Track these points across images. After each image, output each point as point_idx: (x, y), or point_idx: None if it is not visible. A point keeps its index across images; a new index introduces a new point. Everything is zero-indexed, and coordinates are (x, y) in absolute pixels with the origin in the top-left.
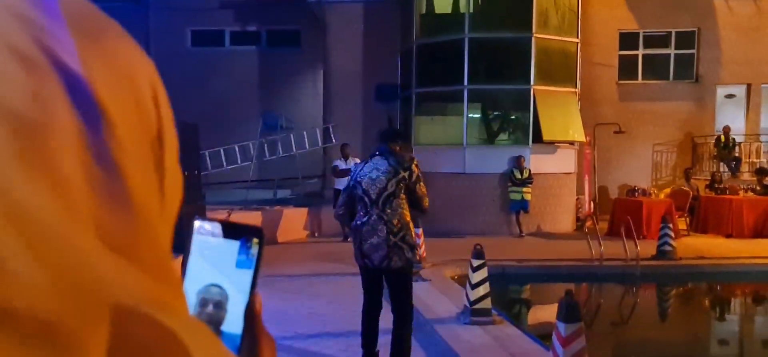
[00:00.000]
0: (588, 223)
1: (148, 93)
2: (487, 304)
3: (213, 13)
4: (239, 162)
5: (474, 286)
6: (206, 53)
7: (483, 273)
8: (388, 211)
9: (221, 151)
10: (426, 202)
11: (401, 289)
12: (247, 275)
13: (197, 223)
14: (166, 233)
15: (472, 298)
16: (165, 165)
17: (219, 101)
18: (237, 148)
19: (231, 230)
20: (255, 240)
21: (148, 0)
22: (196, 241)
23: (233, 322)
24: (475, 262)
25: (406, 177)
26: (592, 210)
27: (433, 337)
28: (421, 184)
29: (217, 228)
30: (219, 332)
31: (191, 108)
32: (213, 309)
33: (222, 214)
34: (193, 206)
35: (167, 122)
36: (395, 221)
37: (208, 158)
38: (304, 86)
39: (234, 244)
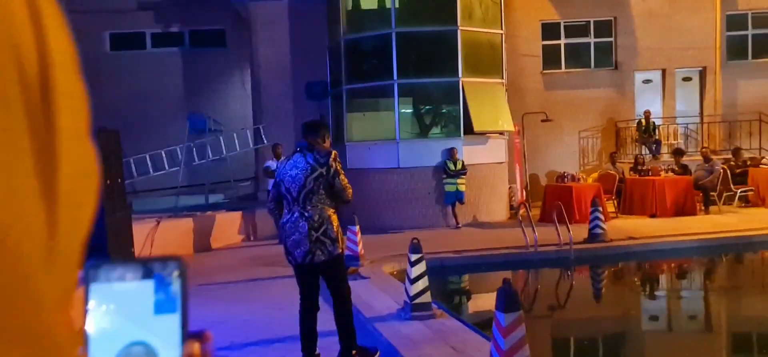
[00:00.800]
0: (521, 211)
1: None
2: (427, 298)
3: (132, 15)
4: (167, 168)
5: (413, 281)
6: (127, 57)
7: (421, 267)
8: (309, 207)
9: (147, 157)
10: (347, 193)
11: (333, 278)
12: (172, 320)
13: (92, 270)
14: (60, 258)
15: (411, 293)
16: (57, 127)
17: (143, 106)
18: (163, 154)
19: (140, 268)
20: (174, 272)
21: (61, 2)
22: (97, 292)
23: None
24: (413, 257)
25: (324, 172)
26: (524, 197)
27: (374, 335)
28: (341, 176)
29: (122, 269)
30: None
31: (113, 114)
32: None
33: (150, 223)
34: (116, 217)
35: (63, 61)
36: (315, 217)
37: (133, 165)
38: (232, 87)
39: (147, 285)
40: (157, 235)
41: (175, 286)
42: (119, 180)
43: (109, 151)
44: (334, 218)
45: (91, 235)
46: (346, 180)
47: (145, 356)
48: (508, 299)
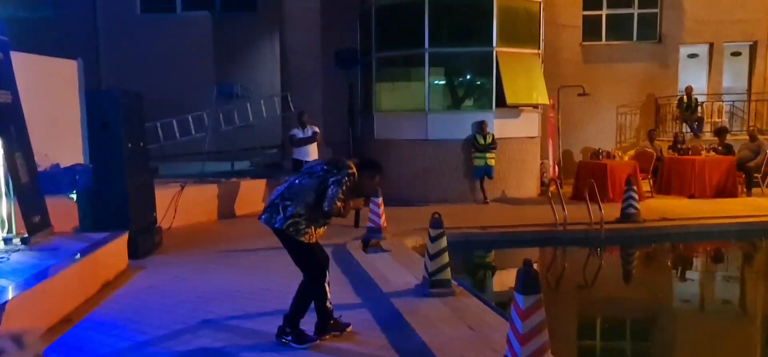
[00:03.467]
0: (552, 188)
1: None
2: (446, 274)
3: None
4: (194, 133)
5: (432, 257)
6: (157, 20)
7: (442, 243)
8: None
9: (174, 122)
10: (327, 203)
11: (290, 250)
12: None
13: None
14: None
15: (430, 270)
16: None
17: (171, 70)
18: (191, 119)
19: None
20: None
21: None
22: None
23: None
24: (433, 232)
25: (333, 171)
26: (556, 174)
27: (389, 310)
28: (335, 187)
29: None
30: None
31: (141, 77)
32: None
33: (175, 188)
34: (138, 180)
35: None
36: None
37: (160, 130)
38: (261, 53)
39: None
40: (181, 200)
41: None
42: (141, 143)
43: (131, 113)
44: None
45: (112, 198)
46: (340, 193)
47: None
48: (527, 280)
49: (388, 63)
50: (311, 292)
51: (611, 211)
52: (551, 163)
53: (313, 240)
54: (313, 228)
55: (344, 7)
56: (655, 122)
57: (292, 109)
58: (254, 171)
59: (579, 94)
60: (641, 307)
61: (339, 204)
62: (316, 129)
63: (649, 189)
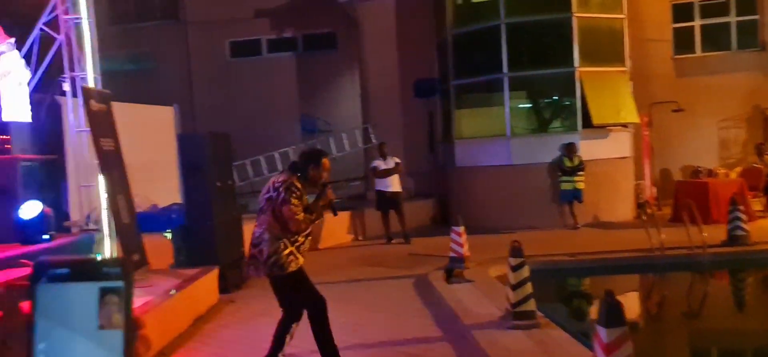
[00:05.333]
0: (647, 209)
1: None
2: (530, 305)
3: (250, 22)
4: (280, 168)
5: (515, 287)
6: (245, 63)
7: (523, 272)
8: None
9: (261, 158)
10: (291, 225)
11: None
12: (116, 337)
13: (38, 265)
14: None
15: (513, 300)
16: None
17: (259, 109)
18: (276, 155)
19: (83, 269)
20: (114, 293)
21: (187, 16)
22: (44, 294)
23: None
24: (514, 261)
25: (274, 196)
26: (653, 195)
27: (470, 344)
28: (287, 206)
29: (68, 271)
30: None
31: (232, 118)
32: None
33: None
34: (226, 218)
35: None
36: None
37: (249, 167)
38: (342, 87)
39: (92, 293)
40: None
41: (120, 296)
42: (229, 181)
43: (219, 154)
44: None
45: (203, 235)
46: (291, 210)
47: None
48: (610, 313)
49: (467, 90)
50: (285, 327)
51: (715, 233)
52: (647, 183)
53: (302, 261)
54: (295, 248)
55: (421, 37)
56: (763, 136)
57: (373, 140)
58: (339, 203)
59: (673, 110)
60: (754, 339)
61: (299, 216)
62: (398, 160)
63: (761, 208)
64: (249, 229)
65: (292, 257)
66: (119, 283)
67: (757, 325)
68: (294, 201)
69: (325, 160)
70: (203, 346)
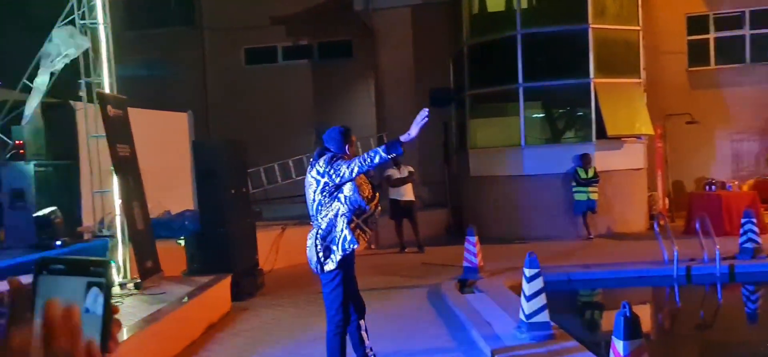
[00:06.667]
0: (661, 222)
1: None
2: (544, 316)
3: (265, 30)
4: (294, 176)
5: (529, 298)
6: (260, 70)
7: (538, 283)
8: (319, 218)
9: (276, 166)
10: (356, 168)
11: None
12: (95, 320)
13: (40, 260)
14: None
15: (527, 312)
16: None
17: (274, 117)
18: (291, 163)
19: (74, 266)
20: (98, 279)
21: (203, 22)
22: (44, 283)
23: None
24: (529, 272)
25: (327, 181)
26: (666, 207)
27: (484, 355)
28: (347, 166)
29: (63, 266)
30: None
31: (247, 125)
32: None
33: (276, 231)
34: (240, 224)
35: None
36: (324, 225)
37: (263, 174)
38: (357, 96)
39: (81, 284)
40: (282, 242)
41: (99, 298)
42: (243, 189)
43: (234, 161)
44: (344, 224)
45: (216, 242)
46: (354, 168)
47: None
48: (628, 325)
49: (482, 99)
50: (334, 328)
51: (729, 245)
52: (660, 195)
53: (366, 239)
54: (357, 229)
55: (437, 47)
56: None
57: None
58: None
59: (687, 122)
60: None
61: (367, 187)
62: (411, 169)
63: None
64: (263, 237)
65: (353, 232)
66: (102, 279)
67: (761, 337)
68: (348, 164)
69: (353, 136)
70: (213, 354)
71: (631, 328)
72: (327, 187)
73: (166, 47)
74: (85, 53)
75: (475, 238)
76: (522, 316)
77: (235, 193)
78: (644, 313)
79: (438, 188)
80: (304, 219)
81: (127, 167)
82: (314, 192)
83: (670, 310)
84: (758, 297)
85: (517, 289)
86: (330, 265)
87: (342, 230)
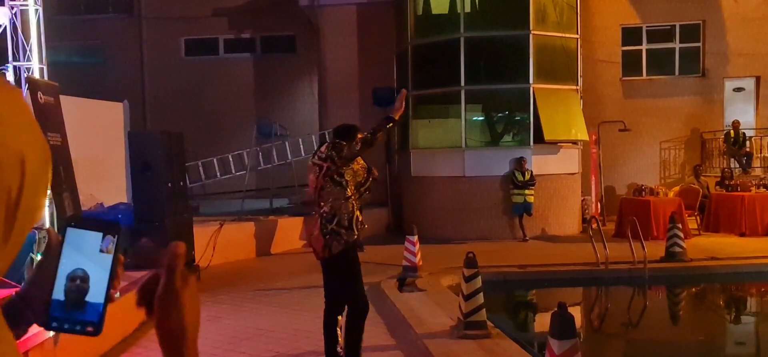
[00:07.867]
0: (593, 225)
1: (12, 160)
2: (481, 316)
3: (206, 21)
4: (234, 171)
5: (467, 298)
6: (200, 62)
7: (476, 283)
8: (321, 202)
9: (215, 160)
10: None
11: (347, 274)
12: (108, 259)
13: (70, 220)
14: (9, 247)
15: (465, 310)
16: (18, 210)
17: (214, 110)
18: (231, 158)
19: (94, 224)
20: (112, 235)
21: (141, 11)
22: (70, 234)
23: (96, 294)
24: (467, 272)
25: (329, 164)
26: (598, 211)
27: (421, 353)
28: (352, 145)
29: (87, 223)
30: (84, 302)
31: (185, 118)
32: (79, 283)
33: (214, 226)
34: (177, 219)
35: (31, 184)
36: (328, 209)
37: (201, 169)
38: (300, 92)
39: (98, 236)
40: (220, 238)
41: (112, 243)
42: (181, 183)
43: (172, 154)
44: (350, 207)
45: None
46: (358, 146)
47: (83, 274)
48: (562, 324)
49: (424, 100)
50: (363, 317)
51: (655, 249)
52: (593, 199)
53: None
54: (352, 208)
55: (381, 46)
56: (701, 157)
57: None
58: (292, 209)
59: (620, 130)
60: (689, 350)
61: (362, 171)
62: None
63: (696, 227)
64: (200, 233)
65: (352, 215)
66: (115, 237)
67: (690, 337)
68: (351, 146)
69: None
70: (146, 351)
71: (566, 328)
72: (330, 171)
73: (103, 34)
74: (14, 35)
75: (415, 237)
76: (460, 315)
77: (171, 186)
78: (575, 313)
79: (379, 187)
80: (243, 215)
81: (57, 157)
82: (316, 177)
83: (600, 310)
84: (681, 298)
85: (455, 289)
86: (337, 247)
87: (353, 210)
